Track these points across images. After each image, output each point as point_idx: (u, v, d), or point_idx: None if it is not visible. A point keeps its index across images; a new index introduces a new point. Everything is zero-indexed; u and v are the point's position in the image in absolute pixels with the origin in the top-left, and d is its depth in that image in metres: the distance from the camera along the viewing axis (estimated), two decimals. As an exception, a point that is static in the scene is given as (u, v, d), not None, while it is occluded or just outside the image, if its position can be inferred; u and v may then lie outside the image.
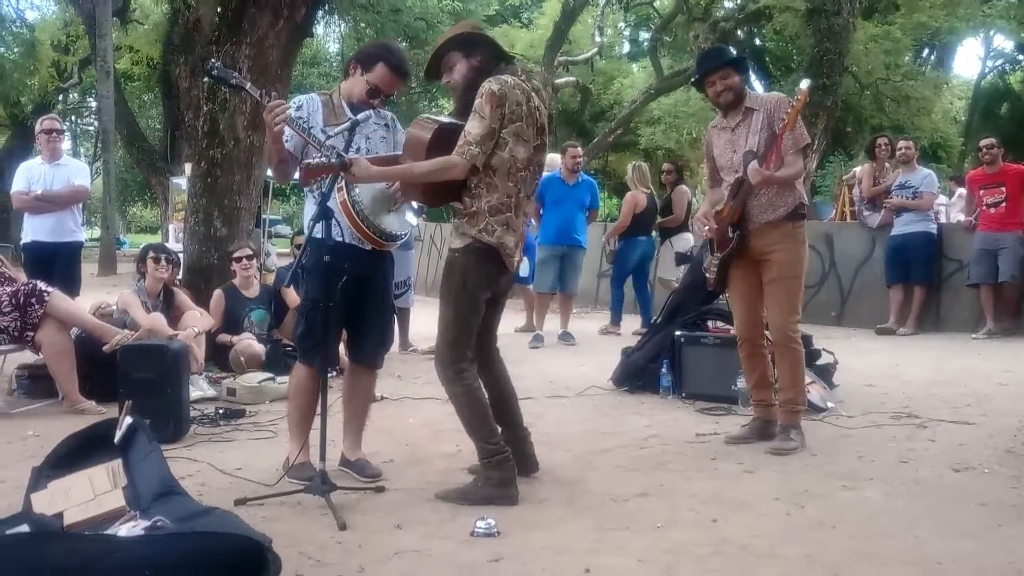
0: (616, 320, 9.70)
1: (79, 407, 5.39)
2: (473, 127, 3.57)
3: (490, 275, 3.78)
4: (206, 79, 4.03)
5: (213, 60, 4.07)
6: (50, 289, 5.51)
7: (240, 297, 6.83)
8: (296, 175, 4.05)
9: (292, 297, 6.43)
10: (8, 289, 5.54)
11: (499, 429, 3.86)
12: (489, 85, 3.61)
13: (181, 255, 7.69)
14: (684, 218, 9.67)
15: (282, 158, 3.87)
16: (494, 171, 3.66)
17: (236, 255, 6.88)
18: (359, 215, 3.73)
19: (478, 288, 3.75)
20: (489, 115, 3.57)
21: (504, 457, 3.72)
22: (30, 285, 5.55)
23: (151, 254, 6.29)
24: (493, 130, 3.59)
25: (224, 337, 6.64)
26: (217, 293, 6.81)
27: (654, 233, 9.94)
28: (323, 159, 3.64)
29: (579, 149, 9.24)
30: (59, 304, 5.49)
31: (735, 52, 4.77)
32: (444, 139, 3.66)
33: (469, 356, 3.77)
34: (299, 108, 3.88)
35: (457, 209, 3.79)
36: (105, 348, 5.37)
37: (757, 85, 23.13)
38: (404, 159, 3.77)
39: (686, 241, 9.57)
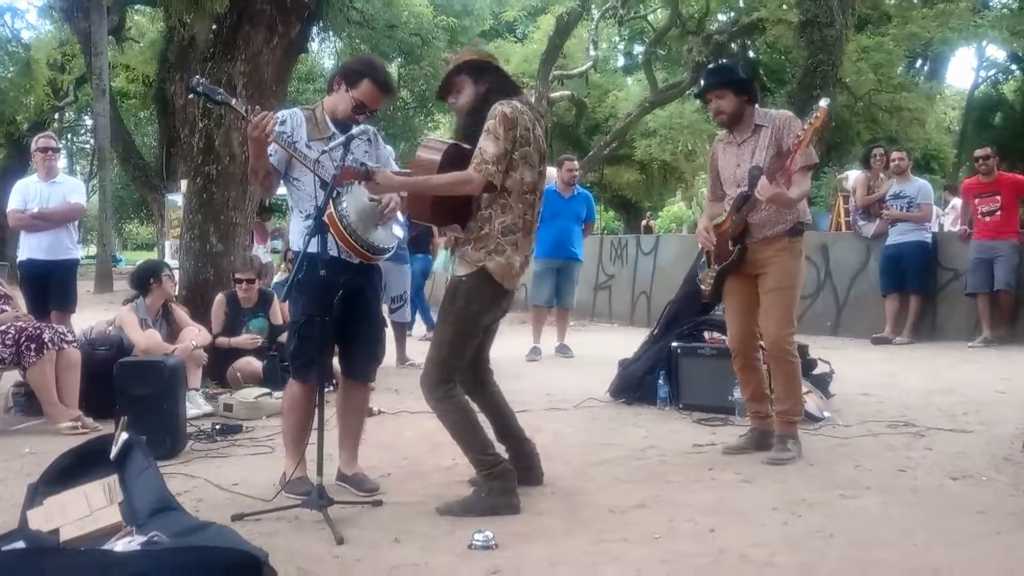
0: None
1: (59, 427, 5.37)
2: (488, 146, 3.62)
3: (494, 301, 3.83)
4: (190, 95, 4.04)
5: (198, 77, 4.09)
6: (49, 350, 5.45)
7: (240, 308, 6.85)
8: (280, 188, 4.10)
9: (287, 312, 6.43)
10: (20, 325, 5.56)
11: (503, 444, 3.97)
12: (502, 108, 3.67)
13: (177, 271, 7.69)
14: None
15: (267, 171, 3.90)
16: (509, 192, 3.72)
17: (236, 277, 6.91)
18: (347, 229, 3.74)
19: (480, 314, 3.81)
20: (503, 136, 3.63)
21: (504, 467, 3.74)
22: (39, 331, 5.52)
23: (166, 272, 6.30)
24: (506, 151, 3.65)
25: (223, 340, 6.61)
26: (219, 297, 6.84)
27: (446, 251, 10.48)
28: (352, 165, 3.71)
29: (575, 163, 9.26)
30: (38, 369, 5.45)
31: (740, 72, 4.74)
32: (453, 160, 3.72)
33: (457, 379, 3.82)
34: (283, 123, 3.90)
35: (464, 236, 3.82)
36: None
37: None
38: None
39: None
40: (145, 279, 6.31)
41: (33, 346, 5.42)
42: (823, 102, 4.44)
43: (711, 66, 4.88)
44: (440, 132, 30.94)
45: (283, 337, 6.75)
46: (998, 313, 8.79)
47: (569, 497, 3.91)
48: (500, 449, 3.97)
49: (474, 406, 3.93)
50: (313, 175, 3.89)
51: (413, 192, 3.85)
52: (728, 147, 4.69)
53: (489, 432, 3.94)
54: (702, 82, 4.75)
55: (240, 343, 6.62)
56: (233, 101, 3.90)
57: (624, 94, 29.65)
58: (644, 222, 31.71)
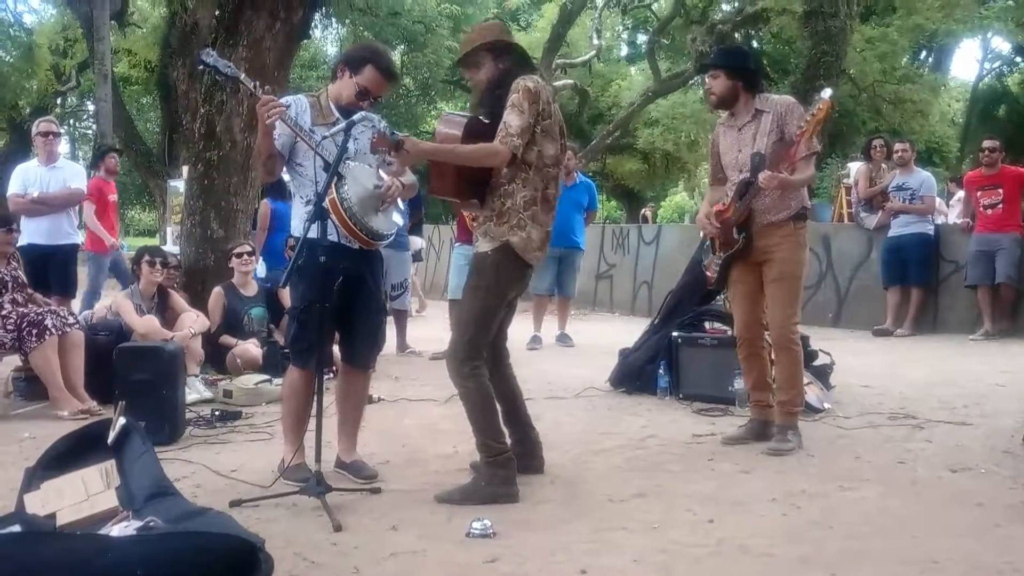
0: None
1: (59, 413, 5.37)
2: (513, 120, 3.65)
3: (519, 275, 3.86)
4: (200, 66, 4.02)
5: (208, 48, 4.06)
6: (51, 336, 5.45)
7: (239, 295, 6.84)
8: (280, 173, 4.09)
9: (288, 298, 6.42)
10: (21, 310, 5.56)
11: (509, 429, 3.98)
12: (525, 82, 3.71)
13: (179, 258, 7.67)
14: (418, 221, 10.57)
15: (271, 154, 3.89)
16: (530, 166, 3.74)
17: (236, 251, 6.88)
18: (347, 212, 3.73)
19: (506, 289, 3.84)
20: (528, 110, 3.67)
21: (508, 456, 3.75)
22: (40, 316, 5.50)
23: (146, 258, 6.29)
24: (530, 124, 3.68)
25: (227, 339, 6.61)
26: (217, 290, 6.81)
27: None
28: (383, 132, 3.68)
29: (569, 152, 9.22)
30: (40, 354, 5.45)
31: (746, 58, 4.73)
32: (473, 134, 3.74)
33: (483, 355, 3.82)
34: (287, 108, 3.88)
35: (485, 213, 3.82)
36: None
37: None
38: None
39: (415, 243, 11.16)
40: (134, 265, 6.42)
41: (35, 331, 5.41)
42: (826, 93, 4.41)
43: (722, 45, 4.83)
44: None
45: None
46: (999, 306, 8.78)
47: (568, 486, 3.91)
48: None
49: None
50: (314, 159, 3.87)
51: (439, 161, 3.83)
52: (728, 131, 4.67)
53: None
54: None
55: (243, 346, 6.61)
56: (242, 75, 3.89)
57: (627, 83, 29.57)
58: (643, 211, 31.59)
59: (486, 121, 3.79)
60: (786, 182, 4.34)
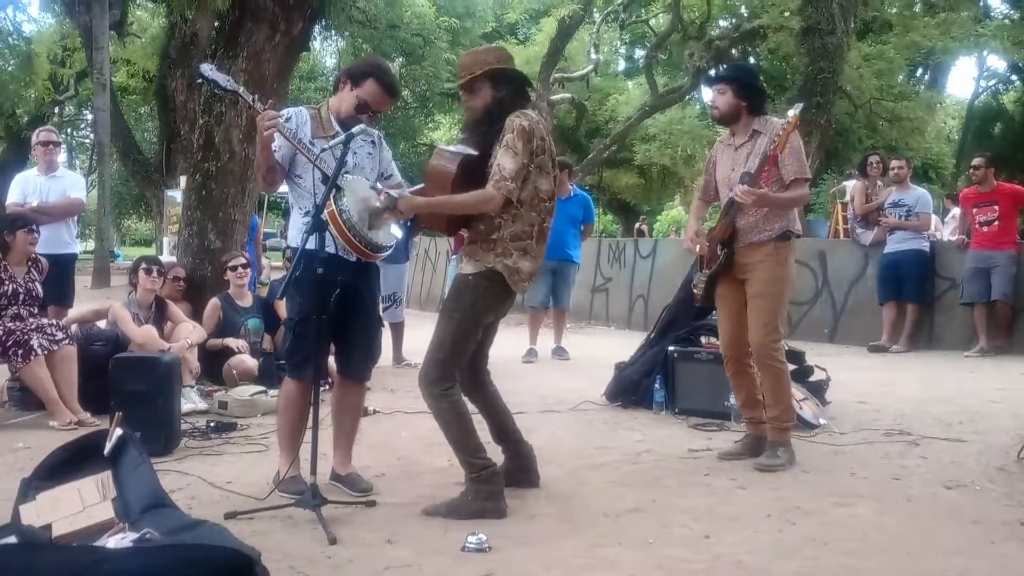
0: None
1: (52, 424, 5.35)
2: (507, 163, 3.65)
3: (498, 301, 3.85)
4: (199, 80, 4.04)
5: (207, 63, 4.07)
6: (36, 355, 5.41)
7: (236, 306, 6.82)
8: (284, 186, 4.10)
9: (284, 310, 6.41)
10: (10, 325, 5.53)
11: (500, 445, 4.03)
12: (519, 121, 3.70)
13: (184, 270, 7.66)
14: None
15: (270, 166, 3.91)
16: (522, 203, 3.74)
17: (231, 264, 6.86)
18: (346, 224, 3.74)
19: (485, 313, 3.83)
20: (522, 151, 3.67)
21: (492, 471, 3.74)
22: (26, 335, 5.45)
23: (143, 265, 6.28)
24: (524, 165, 3.68)
25: (215, 342, 6.58)
26: (213, 302, 6.79)
27: None
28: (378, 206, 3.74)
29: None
30: (29, 372, 5.43)
31: (754, 79, 4.80)
32: (468, 170, 3.76)
33: (456, 377, 3.81)
34: (287, 120, 3.90)
35: (471, 236, 3.84)
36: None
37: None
38: (429, 191, 3.87)
39: None
40: (131, 274, 6.41)
41: (20, 352, 5.39)
42: (794, 109, 4.55)
43: (735, 63, 4.91)
44: (441, 132, 30.91)
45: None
46: (995, 323, 8.79)
47: (563, 500, 3.91)
48: (495, 451, 3.97)
49: (471, 407, 3.93)
50: (313, 172, 3.89)
51: (436, 213, 3.89)
52: (727, 149, 4.71)
53: (485, 433, 3.94)
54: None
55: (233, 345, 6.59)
56: (241, 89, 3.90)
57: (624, 98, 29.68)
58: (637, 225, 31.63)
59: (475, 153, 3.80)
60: (764, 197, 4.37)
